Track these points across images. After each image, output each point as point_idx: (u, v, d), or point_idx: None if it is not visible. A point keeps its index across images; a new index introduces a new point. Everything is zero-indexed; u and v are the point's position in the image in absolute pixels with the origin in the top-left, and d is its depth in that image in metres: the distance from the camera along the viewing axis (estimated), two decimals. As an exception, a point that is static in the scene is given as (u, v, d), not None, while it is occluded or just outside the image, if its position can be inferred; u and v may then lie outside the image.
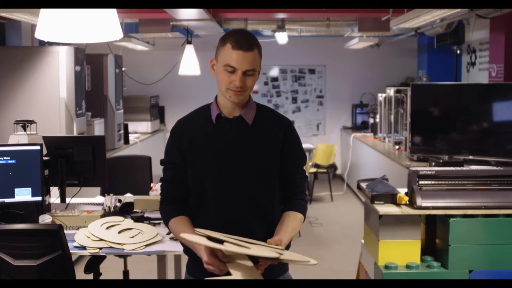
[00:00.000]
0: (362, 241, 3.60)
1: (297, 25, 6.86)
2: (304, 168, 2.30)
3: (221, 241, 1.92)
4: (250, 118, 2.15)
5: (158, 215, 3.25)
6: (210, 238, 1.94)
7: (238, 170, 2.11)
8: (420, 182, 3.20)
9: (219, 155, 2.12)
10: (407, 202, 3.20)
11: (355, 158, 8.44)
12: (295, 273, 2.29)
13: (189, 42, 6.75)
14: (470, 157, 5.02)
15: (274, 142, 2.15)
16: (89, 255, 2.86)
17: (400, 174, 5.32)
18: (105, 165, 3.61)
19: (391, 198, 3.21)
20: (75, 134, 5.34)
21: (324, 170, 8.35)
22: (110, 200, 3.29)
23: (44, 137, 3.49)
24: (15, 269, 2.49)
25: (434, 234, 3.32)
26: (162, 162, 2.23)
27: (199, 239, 1.90)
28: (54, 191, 3.57)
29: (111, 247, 2.75)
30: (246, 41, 2.04)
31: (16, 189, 3.08)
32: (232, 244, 1.89)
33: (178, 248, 2.78)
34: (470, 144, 5.15)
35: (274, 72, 9.98)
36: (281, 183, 2.20)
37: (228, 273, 1.92)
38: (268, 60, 9.64)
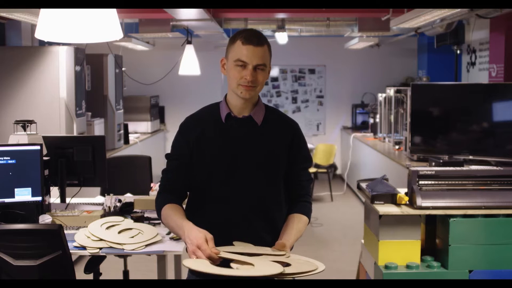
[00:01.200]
0: (362, 241, 3.60)
1: (297, 25, 6.86)
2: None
3: (226, 259, 1.93)
4: (259, 119, 2.16)
5: (158, 215, 3.26)
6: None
7: (245, 169, 2.11)
8: (420, 182, 3.20)
9: (227, 154, 2.12)
10: (407, 202, 3.19)
11: (355, 158, 8.44)
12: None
13: (189, 42, 6.74)
14: (470, 157, 5.02)
15: (282, 144, 2.16)
16: (89, 255, 2.86)
17: (400, 174, 5.32)
18: (105, 165, 3.61)
19: (391, 198, 3.21)
20: (75, 134, 5.33)
21: (324, 170, 8.35)
22: (110, 200, 3.29)
23: (44, 137, 3.49)
24: (15, 269, 2.49)
25: (434, 234, 3.32)
26: (167, 156, 2.22)
27: (201, 266, 1.88)
28: (54, 191, 3.57)
29: (111, 247, 2.75)
30: (256, 37, 2.08)
31: (16, 189, 3.08)
32: (238, 264, 1.89)
33: (178, 248, 2.78)
34: (470, 144, 5.15)
35: (274, 72, 9.98)
36: (287, 185, 2.21)
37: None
38: (268, 60, 9.61)
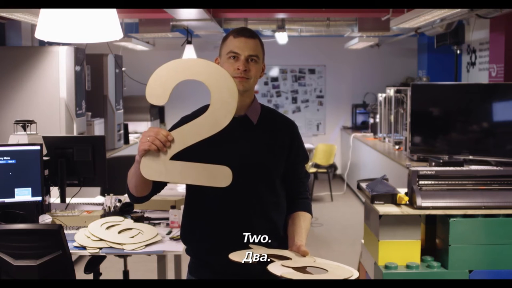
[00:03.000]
0: (362, 241, 3.60)
1: (297, 25, 6.86)
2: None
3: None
4: (255, 118, 2.15)
5: (158, 215, 3.27)
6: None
7: (243, 168, 2.10)
8: (420, 182, 3.20)
9: (224, 154, 2.11)
10: (407, 202, 3.20)
11: (355, 158, 8.44)
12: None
13: (189, 42, 6.74)
14: (470, 157, 5.02)
15: (279, 143, 2.16)
16: (89, 255, 2.86)
17: (400, 174, 5.32)
18: (105, 165, 3.61)
19: (391, 198, 3.21)
20: (75, 134, 5.33)
21: (324, 170, 8.34)
22: (110, 200, 3.29)
23: (44, 137, 3.49)
24: (15, 269, 2.49)
25: (434, 234, 3.32)
26: None
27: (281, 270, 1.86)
28: (54, 191, 3.57)
29: (111, 247, 2.75)
30: (247, 31, 2.12)
31: (16, 189, 3.08)
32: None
33: (178, 248, 2.78)
34: (470, 144, 5.15)
35: (274, 72, 9.98)
36: (286, 183, 2.20)
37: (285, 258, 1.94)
38: (268, 60, 9.57)
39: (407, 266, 3.13)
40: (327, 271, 1.86)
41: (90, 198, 3.83)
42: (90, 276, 3.21)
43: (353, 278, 1.86)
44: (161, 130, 1.89)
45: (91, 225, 2.90)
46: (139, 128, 8.30)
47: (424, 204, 3.10)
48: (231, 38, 2.09)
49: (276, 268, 1.84)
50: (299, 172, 2.22)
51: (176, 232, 2.95)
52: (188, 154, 2.00)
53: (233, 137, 2.12)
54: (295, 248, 2.03)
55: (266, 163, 2.13)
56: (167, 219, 3.17)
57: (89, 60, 6.00)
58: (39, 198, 3.13)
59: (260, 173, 2.12)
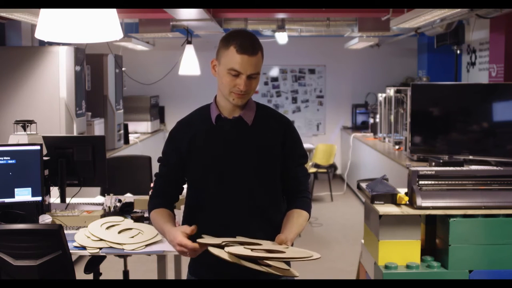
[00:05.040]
0: (362, 241, 3.60)
1: (297, 25, 6.86)
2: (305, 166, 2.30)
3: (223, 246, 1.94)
4: (250, 118, 2.15)
5: (158, 215, 3.26)
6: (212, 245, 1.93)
7: (238, 170, 2.11)
8: (420, 182, 3.20)
9: (220, 156, 2.11)
10: (407, 202, 3.20)
11: (355, 158, 8.44)
12: (295, 273, 2.29)
13: (189, 42, 6.75)
14: (470, 157, 5.02)
15: (274, 142, 2.15)
16: (89, 255, 2.86)
17: (400, 174, 5.32)
18: (105, 165, 3.61)
19: (391, 198, 3.21)
20: (75, 134, 5.34)
21: (324, 170, 8.34)
22: (110, 200, 3.30)
23: (44, 137, 3.49)
24: (15, 269, 2.49)
25: (434, 234, 3.32)
26: (159, 160, 2.25)
27: (217, 251, 1.91)
28: (54, 191, 3.57)
29: (111, 247, 2.75)
30: (251, 45, 2.03)
31: (16, 189, 3.08)
32: (236, 248, 1.89)
33: (178, 248, 2.78)
34: (470, 144, 5.15)
35: (274, 72, 9.98)
36: (284, 182, 2.20)
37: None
38: (268, 60, 9.59)
39: (407, 266, 3.13)
40: (285, 252, 1.89)
41: (90, 198, 3.83)
42: (90, 276, 3.21)
43: (312, 258, 1.93)
44: (188, 245, 1.94)
45: (91, 225, 2.90)
46: (139, 128, 8.30)
47: (424, 204, 3.10)
48: (233, 51, 2.02)
49: (218, 251, 1.88)
50: (296, 171, 2.21)
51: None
52: (191, 160, 2.10)
53: (229, 140, 2.12)
54: (277, 239, 2.00)
55: (261, 164, 2.13)
56: (167, 219, 3.17)
57: (89, 60, 6.00)
58: (39, 198, 3.13)
59: (256, 174, 2.12)
